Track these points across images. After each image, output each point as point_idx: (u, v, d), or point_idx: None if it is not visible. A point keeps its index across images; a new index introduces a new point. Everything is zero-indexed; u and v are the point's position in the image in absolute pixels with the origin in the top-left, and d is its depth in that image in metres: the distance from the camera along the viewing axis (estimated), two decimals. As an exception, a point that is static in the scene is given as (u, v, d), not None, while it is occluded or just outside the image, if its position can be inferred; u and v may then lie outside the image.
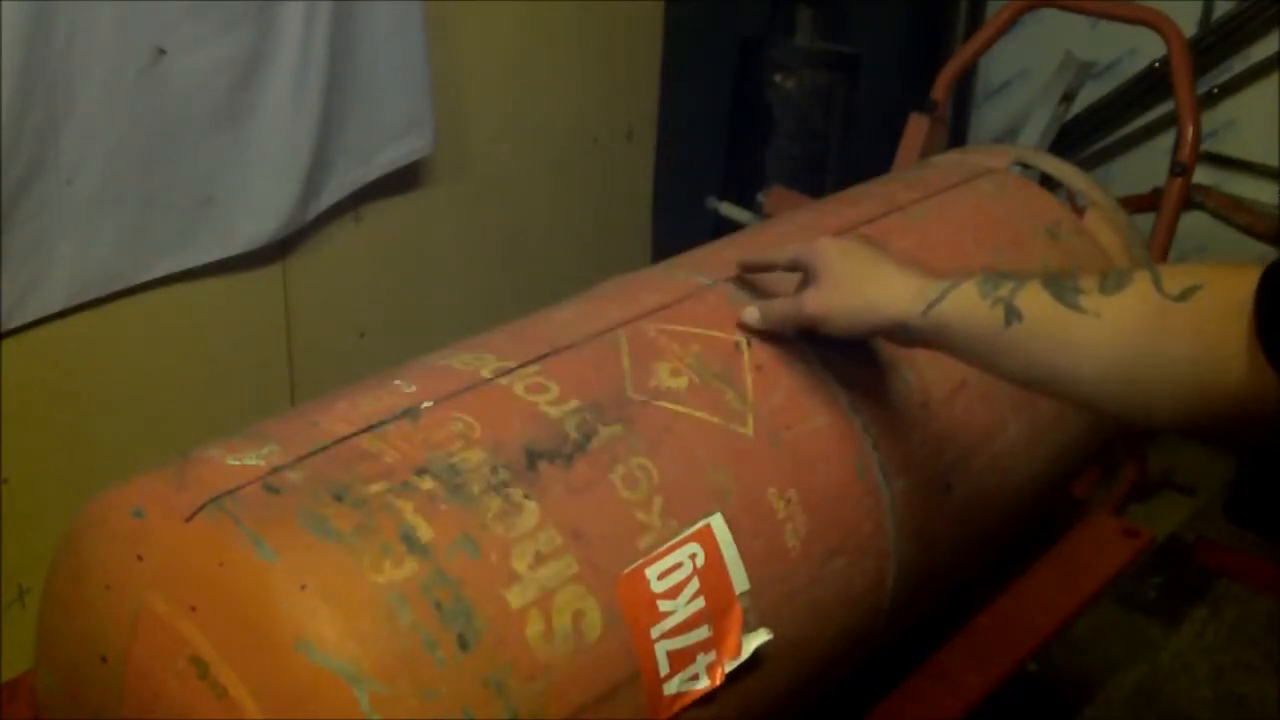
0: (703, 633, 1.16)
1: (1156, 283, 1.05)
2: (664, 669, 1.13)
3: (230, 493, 1.06)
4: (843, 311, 1.27)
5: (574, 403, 1.22)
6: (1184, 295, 1.03)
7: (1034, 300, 1.12)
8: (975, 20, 4.12)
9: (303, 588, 1.00)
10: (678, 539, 1.17)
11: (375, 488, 1.08)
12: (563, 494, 1.14)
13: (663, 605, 1.14)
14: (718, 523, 1.20)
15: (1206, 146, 3.28)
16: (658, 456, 1.21)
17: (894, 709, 1.59)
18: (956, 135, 4.12)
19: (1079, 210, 1.84)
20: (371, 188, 2.52)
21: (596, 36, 2.99)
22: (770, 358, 1.36)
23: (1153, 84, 3.73)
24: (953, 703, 1.60)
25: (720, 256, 1.54)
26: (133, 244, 2.11)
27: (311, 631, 0.98)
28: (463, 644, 1.02)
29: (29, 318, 2.02)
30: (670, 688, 1.14)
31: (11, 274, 1.96)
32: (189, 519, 1.04)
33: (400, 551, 1.04)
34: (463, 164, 2.75)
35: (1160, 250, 2.48)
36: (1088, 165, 3.87)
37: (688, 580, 1.16)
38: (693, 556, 1.17)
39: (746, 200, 3.36)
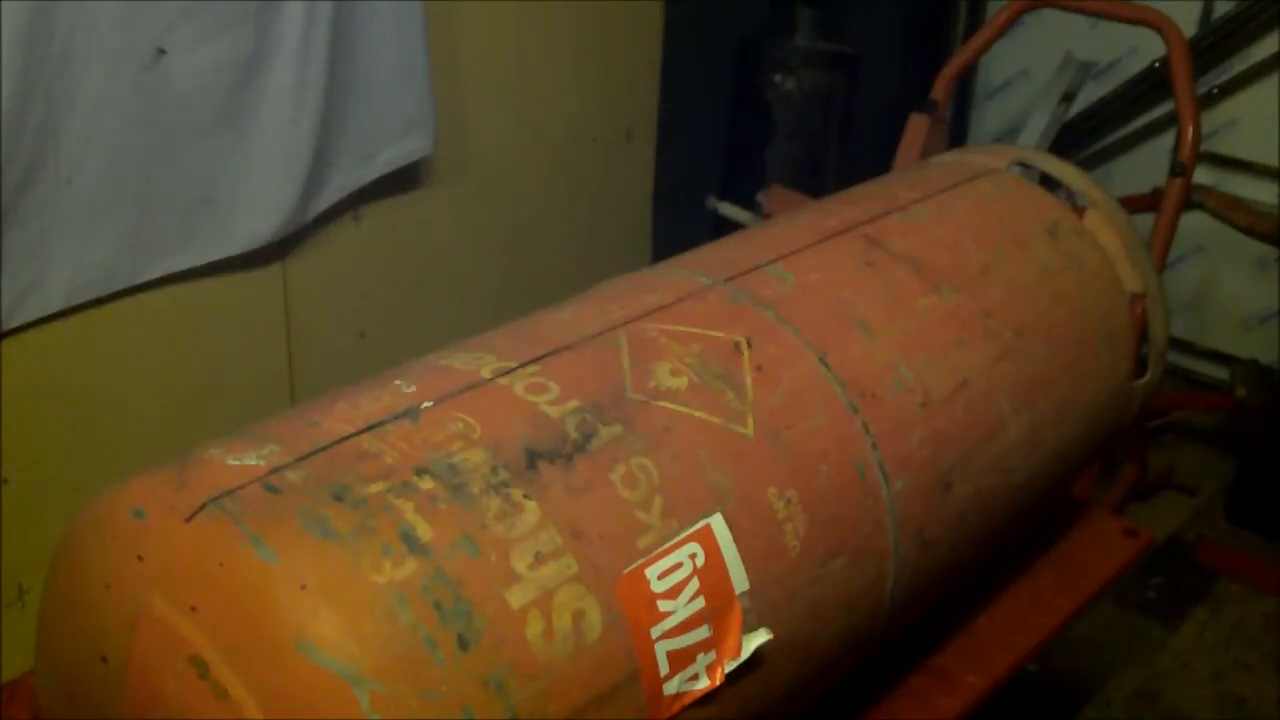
0: (703, 633, 1.16)
1: None
2: (664, 669, 1.13)
3: (230, 493, 1.06)
4: None
5: (574, 403, 1.22)
6: None
7: None
8: (975, 20, 4.12)
9: (303, 588, 1.00)
10: (678, 539, 1.17)
11: (375, 488, 1.08)
12: (563, 494, 1.14)
13: (663, 605, 1.14)
14: (718, 523, 1.20)
15: (1206, 146, 3.28)
16: (658, 456, 1.21)
17: (894, 709, 1.59)
18: (956, 135, 4.13)
19: (1079, 210, 1.84)
20: (371, 188, 2.52)
21: (596, 36, 2.99)
22: (770, 358, 1.35)
23: (1153, 84, 3.74)
24: (953, 703, 1.60)
25: (720, 256, 1.53)
26: (132, 244, 2.11)
27: (312, 632, 0.98)
28: (463, 644, 1.02)
29: (29, 318, 2.02)
30: (670, 688, 1.14)
31: (11, 274, 1.96)
32: (189, 519, 1.04)
33: (400, 551, 1.04)
34: (463, 164, 2.75)
35: (1160, 250, 2.48)
36: (1088, 165, 3.87)
37: (688, 580, 1.16)
38: (693, 556, 1.17)
39: (746, 200, 3.36)
